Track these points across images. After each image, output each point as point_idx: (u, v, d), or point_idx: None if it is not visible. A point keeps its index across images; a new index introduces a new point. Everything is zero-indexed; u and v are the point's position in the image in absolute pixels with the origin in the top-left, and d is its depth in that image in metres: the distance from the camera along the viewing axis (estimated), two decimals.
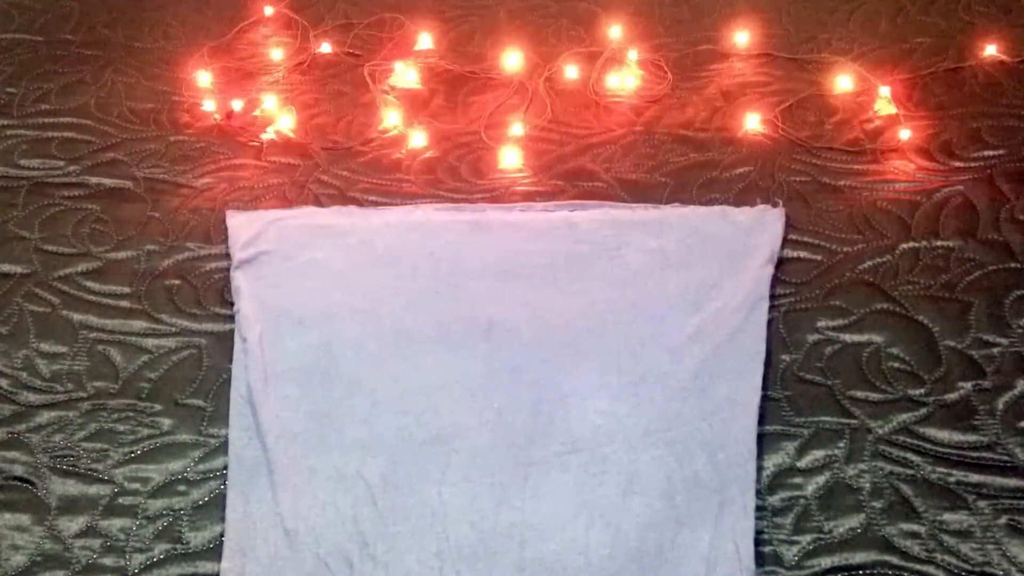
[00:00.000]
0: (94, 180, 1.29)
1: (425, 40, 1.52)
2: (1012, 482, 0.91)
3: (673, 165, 1.28)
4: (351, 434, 0.96)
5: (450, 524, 0.88)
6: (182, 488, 0.94)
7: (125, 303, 1.12)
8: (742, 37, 1.49)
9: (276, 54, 1.51)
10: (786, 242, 1.16)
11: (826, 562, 0.86)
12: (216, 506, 0.92)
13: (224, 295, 1.12)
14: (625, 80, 1.42)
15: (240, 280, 1.12)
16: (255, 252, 1.15)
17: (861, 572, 0.85)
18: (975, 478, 0.92)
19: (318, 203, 1.25)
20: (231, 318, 1.09)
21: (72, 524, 0.91)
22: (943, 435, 0.95)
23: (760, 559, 0.86)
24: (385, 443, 0.95)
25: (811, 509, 0.90)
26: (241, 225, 1.19)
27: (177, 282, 1.15)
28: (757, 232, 1.16)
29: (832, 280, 1.12)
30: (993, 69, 1.42)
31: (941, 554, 0.86)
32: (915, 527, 0.88)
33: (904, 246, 1.15)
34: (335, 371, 1.02)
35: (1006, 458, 0.93)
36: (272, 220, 1.20)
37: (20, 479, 0.95)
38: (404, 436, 0.96)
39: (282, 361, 1.03)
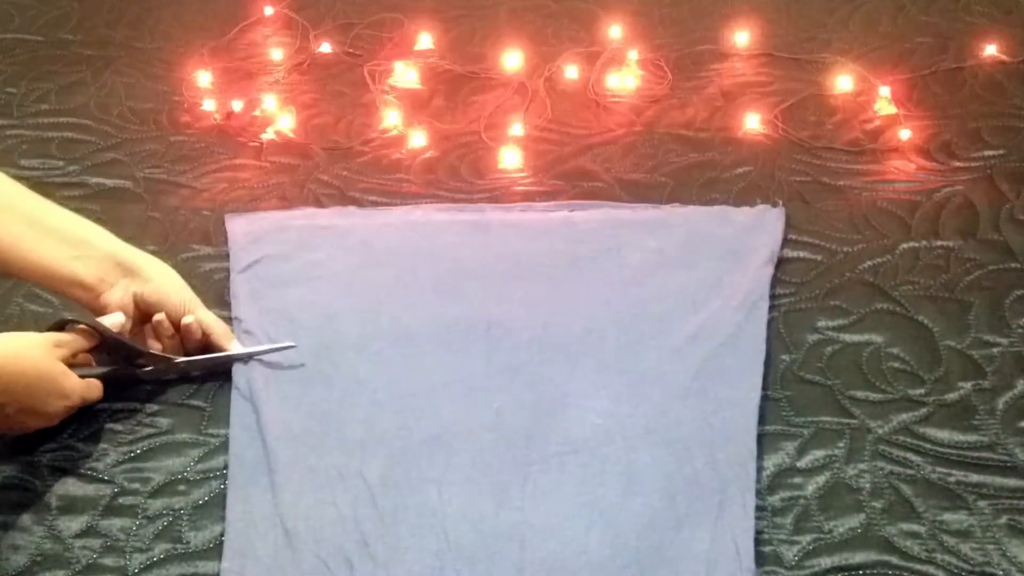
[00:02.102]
0: (94, 180, 1.29)
1: (425, 40, 1.52)
2: (1012, 482, 0.91)
3: (673, 165, 1.29)
4: (351, 434, 0.96)
5: (450, 524, 0.88)
6: (182, 488, 0.94)
7: None
8: (742, 37, 1.49)
9: (276, 54, 1.51)
10: (786, 242, 1.16)
11: (826, 562, 0.86)
12: (216, 506, 0.92)
13: (224, 296, 1.12)
14: (625, 80, 1.43)
15: (240, 283, 1.12)
16: (255, 255, 1.15)
17: (861, 572, 0.85)
18: (975, 478, 0.91)
19: (318, 203, 1.25)
20: (231, 318, 1.08)
21: (72, 524, 0.91)
22: (943, 435, 0.95)
23: (760, 559, 0.86)
24: (385, 443, 0.95)
25: (811, 509, 0.90)
26: (240, 228, 1.19)
27: None
28: (757, 232, 1.16)
29: (832, 280, 1.12)
30: (993, 69, 1.42)
31: (941, 554, 0.86)
32: (915, 527, 0.88)
33: (904, 246, 1.15)
34: (335, 371, 1.02)
35: (1006, 458, 0.93)
36: (271, 222, 1.20)
37: (20, 479, 0.95)
38: (404, 436, 0.96)
39: (282, 361, 1.03)
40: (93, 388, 0.98)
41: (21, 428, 0.95)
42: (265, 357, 1.03)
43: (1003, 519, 0.88)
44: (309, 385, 1.01)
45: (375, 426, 0.97)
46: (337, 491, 0.91)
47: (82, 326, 0.96)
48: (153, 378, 1.02)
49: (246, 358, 1.03)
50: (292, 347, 1.03)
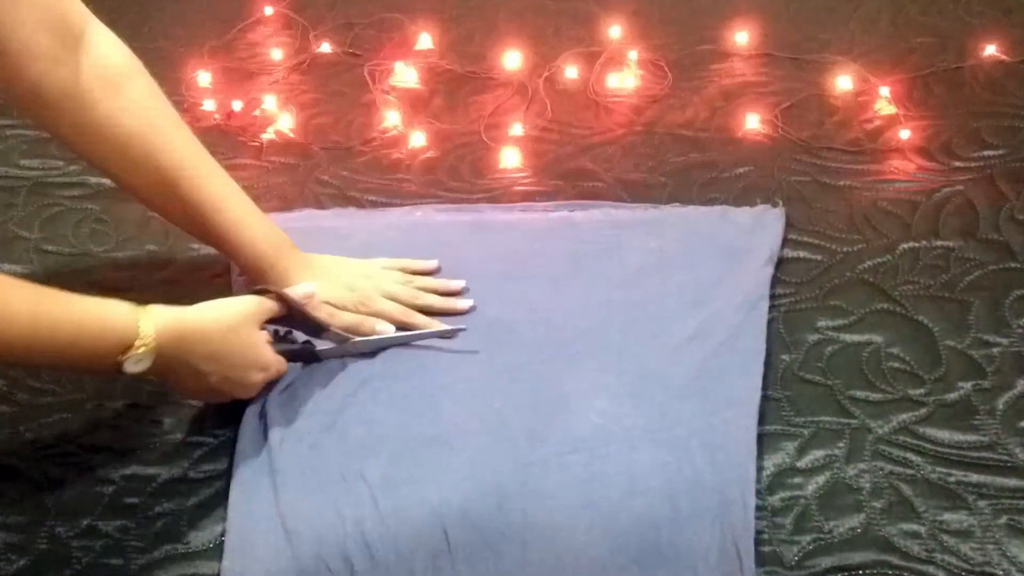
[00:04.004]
0: (94, 180, 1.29)
1: (425, 40, 1.52)
2: (1012, 482, 0.91)
3: (673, 165, 1.29)
4: (353, 434, 0.96)
5: (450, 524, 0.88)
6: (182, 488, 0.94)
7: None
8: (742, 37, 1.49)
9: (276, 54, 1.51)
10: (786, 242, 1.16)
11: (826, 562, 0.86)
12: (216, 506, 0.92)
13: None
14: (625, 80, 1.43)
15: (242, 284, 1.12)
16: None
17: (861, 572, 0.85)
18: (975, 478, 0.92)
19: (318, 203, 1.25)
20: None
21: (72, 524, 0.91)
22: (943, 435, 0.95)
23: (760, 559, 0.86)
24: (387, 443, 0.95)
25: (811, 509, 0.90)
26: None
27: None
28: (757, 232, 1.16)
29: (832, 280, 1.12)
30: (993, 69, 1.42)
31: (941, 554, 0.86)
32: (915, 527, 0.88)
33: (904, 246, 1.15)
34: (338, 371, 1.02)
35: (1006, 458, 0.93)
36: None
37: (20, 479, 0.95)
38: (405, 436, 0.96)
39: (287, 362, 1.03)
40: (282, 363, 0.99)
41: (221, 396, 0.96)
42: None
43: (1003, 519, 0.88)
44: (313, 386, 1.01)
45: (377, 426, 0.97)
46: (339, 491, 0.91)
47: (274, 294, 0.97)
48: (328, 356, 1.03)
49: (414, 339, 1.04)
50: (463, 329, 1.04)
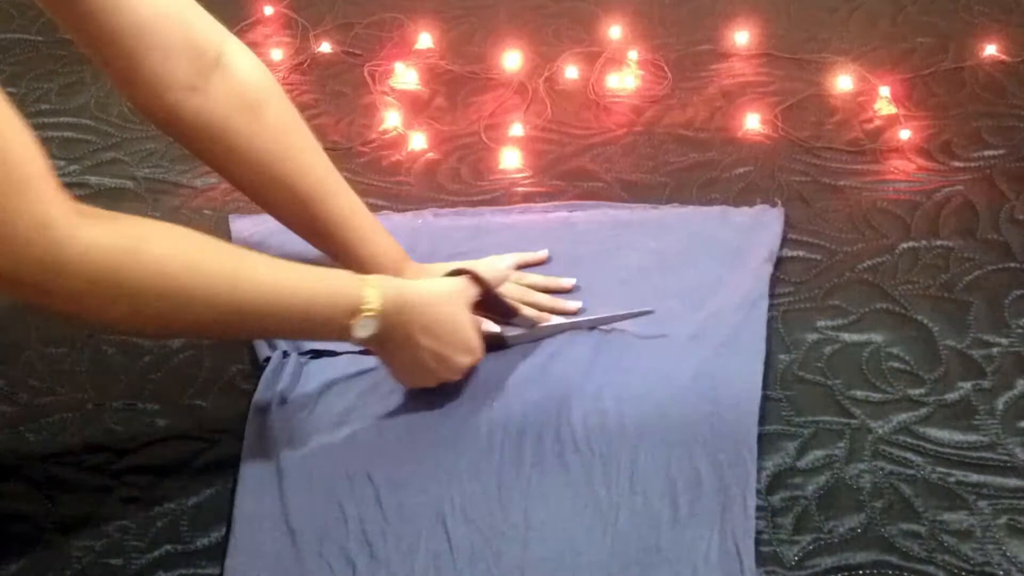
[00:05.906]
0: (94, 180, 1.29)
1: (425, 40, 1.52)
2: (1012, 482, 0.91)
3: (673, 165, 1.29)
4: (362, 435, 0.96)
5: (452, 525, 0.88)
6: (182, 488, 0.94)
7: None
8: (742, 37, 1.49)
9: (276, 54, 1.51)
10: (786, 242, 1.16)
11: (827, 562, 0.86)
12: (217, 506, 0.92)
13: None
14: (625, 80, 1.43)
15: None
16: None
17: (861, 572, 0.85)
18: (975, 478, 0.92)
19: None
20: None
21: (72, 524, 0.91)
22: (943, 435, 0.95)
23: (760, 559, 0.86)
24: (390, 443, 0.95)
25: (811, 509, 0.90)
26: (246, 229, 1.19)
27: None
28: (757, 232, 1.16)
29: (832, 280, 1.12)
30: (993, 69, 1.42)
31: (941, 554, 0.86)
32: (915, 527, 0.88)
33: (904, 246, 1.15)
34: (344, 372, 1.02)
35: (1006, 458, 0.93)
36: (276, 224, 1.20)
37: (20, 479, 0.95)
38: (408, 436, 0.96)
39: (291, 363, 1.03)
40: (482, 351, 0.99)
41: (429, 377, 0.96)
42: (281, 360, 1.03)
43: (1003, 519, 0.88)
44: (320, 386, 1.01)
45: (381, 426, 0.97)
46: (342, 491, 0.91)
47: (473, 274, 0.97)
48: (515, 343, 1.03)
49: (604, 322, 1.05)
50: (651, 312, 1.04)
